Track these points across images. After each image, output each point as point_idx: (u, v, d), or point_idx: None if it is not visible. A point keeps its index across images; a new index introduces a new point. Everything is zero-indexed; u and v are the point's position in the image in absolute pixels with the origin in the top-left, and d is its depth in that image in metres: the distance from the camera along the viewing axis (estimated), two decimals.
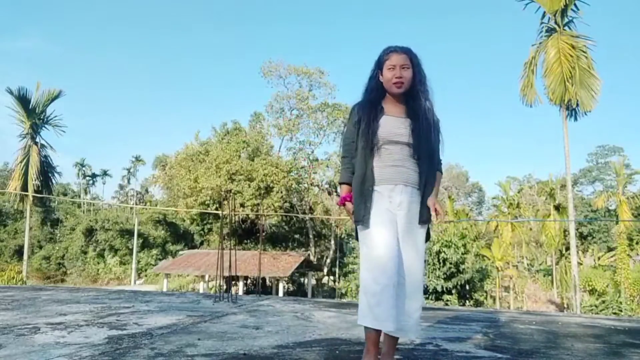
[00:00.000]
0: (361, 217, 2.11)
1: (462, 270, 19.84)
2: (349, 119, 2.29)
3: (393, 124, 2.15)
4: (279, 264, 22.77)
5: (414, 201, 2.15)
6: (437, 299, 19.42)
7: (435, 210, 2.15)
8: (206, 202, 22.88)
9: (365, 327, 2.07)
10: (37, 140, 23.12)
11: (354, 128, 2.21)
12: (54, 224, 47.36)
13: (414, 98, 2.18)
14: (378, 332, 2.07)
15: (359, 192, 2.15)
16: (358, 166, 2.18)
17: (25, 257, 23.21)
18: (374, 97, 2.20)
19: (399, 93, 2.16)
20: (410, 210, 2.13)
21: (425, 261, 2.11)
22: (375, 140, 2.13)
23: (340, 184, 2.32)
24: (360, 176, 2.16)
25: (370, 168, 2.14)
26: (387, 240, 2.05)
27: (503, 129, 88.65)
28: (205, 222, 29.32)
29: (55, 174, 24.71)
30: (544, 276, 36.69)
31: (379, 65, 2.20)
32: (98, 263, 41.56)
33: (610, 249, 35.07)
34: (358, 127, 2.18)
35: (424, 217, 2.16)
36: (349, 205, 2.23)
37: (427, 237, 2.24)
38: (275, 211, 23.43)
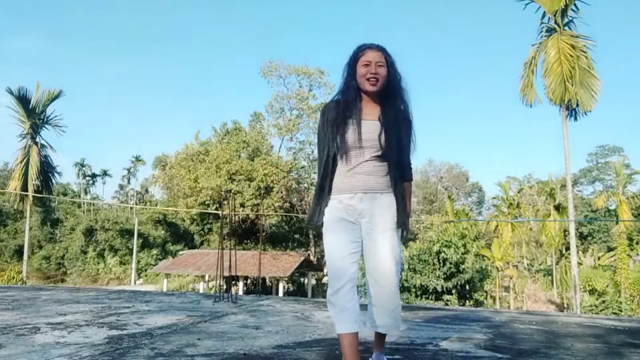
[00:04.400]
0: (314, 222, 2.13)
1: (462, 270, 19.80)
2: (321, 118, 2.15)
3: (365, 129, 2.05)
4: (279, 264, 22.75)
5: (376, 206, 2.07)
6: (437, 299, 19.39)
7: (403, 233, 2.13)
8: (206, 202, 22.88)
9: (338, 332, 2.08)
10: (37, 140, 23.15)
11: (323, 128, 2.10)
12: (54, 224, 47.34)
13: (388, 97, 2.10)
14: (348, 335, 2.02)
15: (317, 197, 2.14)
16: (321, 171, 2.11)
17: (25, 257, 23.23)
18: (349, 97, 2.09)
19: (373, 91, 2.06)
20: (373, 216, 2.07)
21: (399, 261, 2.08)
22: (346, 145, 2.04)
23: None
24: (320, 184, 2.12)
25: (332, 175, 2.10)
26: (341, 250, 2.04)
27: (503, 129, 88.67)
28: (205, 222, 29.31)
29: (55, 174, 24.78)
30: (544, 276, 36.68)
31: (354, 62, 2.09)
32: (98, 263, 41.56)
33: (610, 249, 35.05)
34: (328, 128, 2.07)
35: (395, 222, 2.09)
36: None
37: (402, 237, 2.19)
38: (275, 211, 23.42)
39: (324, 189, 2.11)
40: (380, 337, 2.25)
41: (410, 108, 2.16)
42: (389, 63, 2.08)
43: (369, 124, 2.06)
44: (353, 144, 2.04)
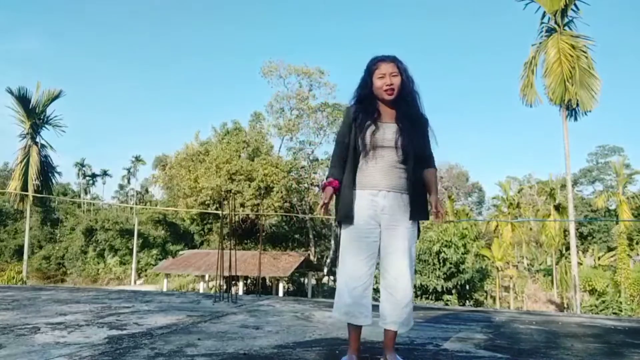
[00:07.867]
0: (345, 215, 2.23)
1: (462, 270, 19.81)
2: (344, 119, 2.38)
3: (385, 130, 2.24)
4: (279, 264, 22.75)
5: (399, 204, 2.25)
6: (437, 299, 19.40)
7: (437, 210, 2.29)
8: (206, 202, 22.87)
9: (347, 324, 2.26)
10: (37, 140, 23.12)
11: (347, 129, 2.30)
12: (54, 224, 47.35)
13: (403, 101, 2.28)
14: (357, 328, 2.25)
15: (348, 192, 2.26)
16: (349, 168, 2.28)
17: (25, 257, 23.20)
18: (368, 104, 2.30)
19: (391, 99, 2.26)
20: (394, 214, 2.23)
21: (413, 260, 2.27)
22: (367, 145, 2.23)
23: (328, 177, 2.39)
24: (350, 178, 2.27)
25: (358, 172, 2.27)
26: (362, 250, 2.20)
27: (503, 129, 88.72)
28: (205, 222, 29.32)
29: (55, 174, 24.74)
30: (544, 276, 36.68)
31: (369, 74, 2.29)
32: (98, 263, 41.57)
33: (610, 249, 35.06)
34: (353, 128, 2.28)
35: (414, 216, 2.27)
36: (330, 189, 2.28)
37: (417, 235, 2.34)
38: (275, 211, 23.41)
39: (352, 185, 2.27)
40: (391, 336, 2.27)
41: (423, 108, 2.35)
42: (402, 70, 2.27)
43: (388, 127, 2.26)
44: (374, 144, 2.23)
